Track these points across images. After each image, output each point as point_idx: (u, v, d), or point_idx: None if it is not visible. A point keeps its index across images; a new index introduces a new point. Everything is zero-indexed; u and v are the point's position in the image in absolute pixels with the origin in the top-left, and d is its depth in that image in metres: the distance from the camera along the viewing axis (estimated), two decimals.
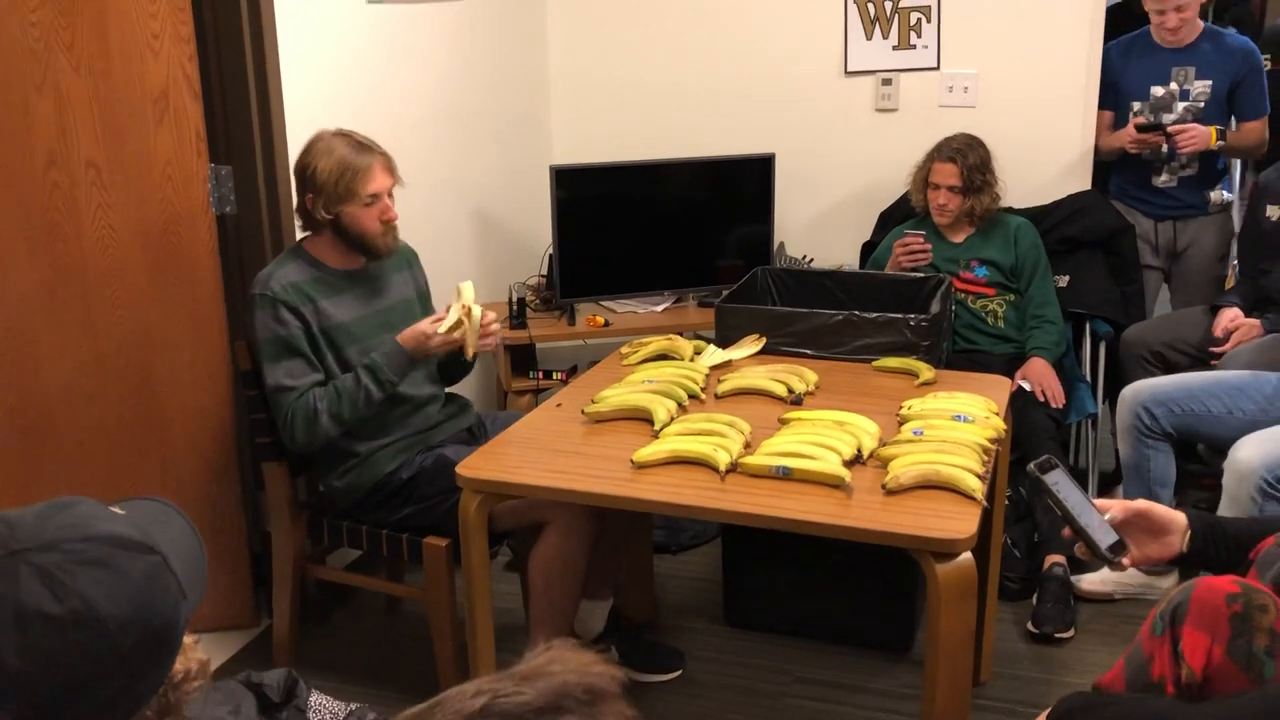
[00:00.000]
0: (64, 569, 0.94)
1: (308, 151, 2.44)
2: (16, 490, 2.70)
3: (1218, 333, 3.11)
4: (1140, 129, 3.39)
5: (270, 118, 2.71)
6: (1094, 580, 2.94)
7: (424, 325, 2.43)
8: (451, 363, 2.67)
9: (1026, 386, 3.11)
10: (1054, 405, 3.10)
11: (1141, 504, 1.68)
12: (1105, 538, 1.63)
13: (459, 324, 2.41)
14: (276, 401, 2.43)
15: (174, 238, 2.65)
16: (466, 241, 3.66)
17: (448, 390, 2.74)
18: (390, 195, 2.48)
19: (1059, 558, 2.91)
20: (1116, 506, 1.67)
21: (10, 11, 2.38)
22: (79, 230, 2.57)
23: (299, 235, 2.61)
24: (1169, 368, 3.23)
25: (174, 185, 2.62)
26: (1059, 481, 1.65)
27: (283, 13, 2.71)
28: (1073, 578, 2.90)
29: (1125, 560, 1.63)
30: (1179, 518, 1.68)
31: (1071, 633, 2.79)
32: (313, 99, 2.84)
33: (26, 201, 2.51)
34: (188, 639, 1.06)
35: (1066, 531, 1.65)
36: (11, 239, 2.48)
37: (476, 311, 2.42)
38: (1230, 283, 3.61)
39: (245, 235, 2.79)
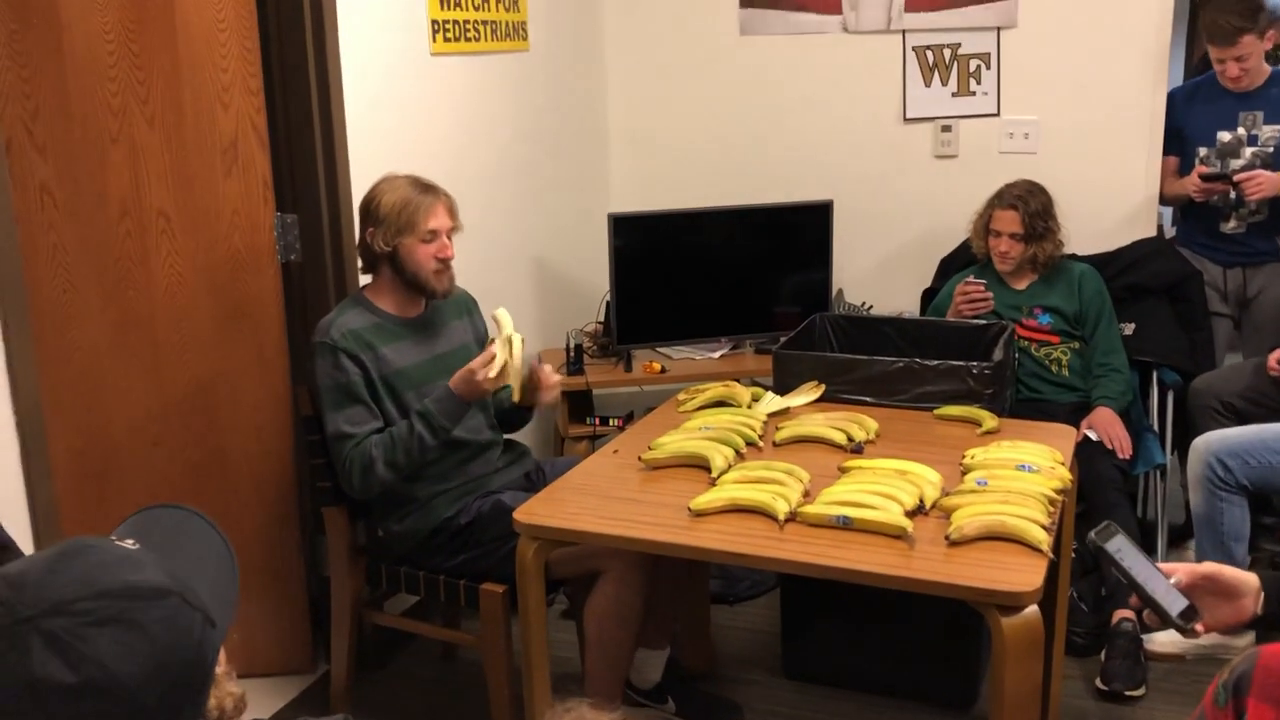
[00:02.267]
0: (76, 634, 0.89)
1: (373, 189, 2.51)
2: (81, 531, 2.74)
3: (1273, 364, 3.02)
4: (1205, 178, 3.33)
5: (335, 167, 2.76)
6: (1164, 642, 2.84)
7: (471, 364, 2.43)
8: (510, 411, 2.68)
9: (1093, 436, 3.04)
10: (1121, 455, 3.03)
11: (1209, 567, 1.60)
12: (1175, 604, 1.57)
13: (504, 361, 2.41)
14: (336, 449, 2.45)
15: (240, 284, 2.70)
16: (525, 288, 3.69)
17: (506, 436, 2.74)
18: (449, 237, 2.52)
19: (1128, 613, 2.82)
20: (1182, 570, 1.60)
21: (90, 68, 2.46)
22: (149, 278, 2.63)
23: (361, 281, 2.65)
24: (1241, 419, 3.14)
25: (241, 233, 2.68)
26: (1121, 549, 1.59)
27: (348, 65, 2.77)
28: (1143, 636, 2.81)
29: (1198, 627, 1.57)
30: (1250, 579, 1.60)
31: (1143, 690, 2.70)
32: (377, 149, 2.89)
33: (100, 250, 2.58)
34: (220, 670, 1.01)
35: (1134, 600, 1.59)
36: (85, 286, 2.54)
37: (517, 341, 2.41)
38: None
39: (310, 282, 2.84)
